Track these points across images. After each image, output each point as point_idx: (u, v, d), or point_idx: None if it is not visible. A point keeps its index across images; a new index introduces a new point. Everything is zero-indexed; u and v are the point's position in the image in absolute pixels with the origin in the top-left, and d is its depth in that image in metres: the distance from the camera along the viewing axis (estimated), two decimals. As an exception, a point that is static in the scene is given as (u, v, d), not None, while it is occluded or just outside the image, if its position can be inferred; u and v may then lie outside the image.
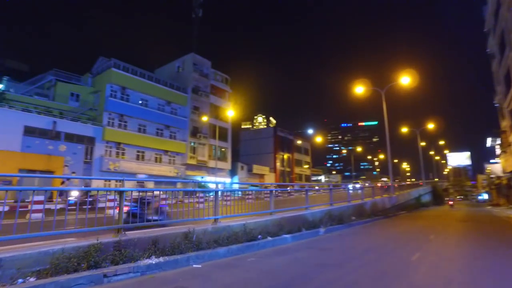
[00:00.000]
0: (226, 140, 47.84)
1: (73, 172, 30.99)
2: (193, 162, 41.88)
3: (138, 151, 36.83)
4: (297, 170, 68.39)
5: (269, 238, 8.09)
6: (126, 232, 5.86)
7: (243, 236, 7.46)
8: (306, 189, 12.49)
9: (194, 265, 5.77)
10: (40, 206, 9.03)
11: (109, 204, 8.72)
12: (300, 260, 6.63)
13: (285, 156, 64.93)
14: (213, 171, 42.48)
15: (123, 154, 35.36)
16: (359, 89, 25.37)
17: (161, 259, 5.43)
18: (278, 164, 61.69)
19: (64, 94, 35.07)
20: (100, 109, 34.83)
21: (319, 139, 56.21)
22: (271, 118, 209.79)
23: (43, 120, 29.70)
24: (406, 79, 24.99)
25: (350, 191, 16.45)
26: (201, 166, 42.95)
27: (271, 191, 10.75)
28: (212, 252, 6.31)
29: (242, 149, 66.60)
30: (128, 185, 7.32)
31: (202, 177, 41.78)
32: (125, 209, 6.15)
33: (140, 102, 37.73)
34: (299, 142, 69.05)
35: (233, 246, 6.89)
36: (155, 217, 7.85)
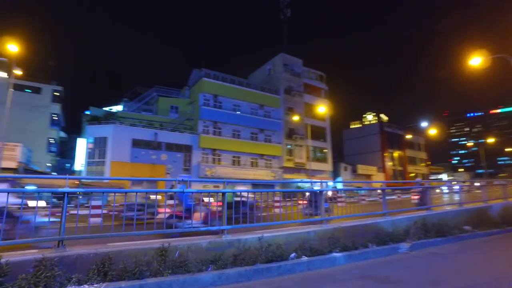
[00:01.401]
0: (325, 140, 44.66)
1: (179, 181, 32.48)
2: (290, 164, 40.07)
3: (233, 157, 36.96)
4: (411, 168, 59.95)
5: (304, 258, 5.48)
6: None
7: (261, 255, 5.08)
8: (383, 188, 9.12)
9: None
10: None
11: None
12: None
13: (396, 153, 57.60)
14: (312, 173, 39.88)
15: (219, 160, 35.90)
16: (475, 61, 19.43)
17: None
18: (389, 163, 55.06)
19: (165, 108, 37.74)
20: (195, 118, 36.21)
21: (433, 132, 47.65)
22: (381, 115, 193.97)
23: (146, 133, 32.16)
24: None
25: (457, 190, 11.96)
26: (299, 169, 40.80)
27: (316, 192, 8.05)
28: (190, 278, 4.18)
29: (346, 149, 62.02)
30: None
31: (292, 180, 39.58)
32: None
33: (233, 108, 37.96)
34: (408, 136, 60.42)
35: (230, 271, 4.57)
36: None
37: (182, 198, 8.92)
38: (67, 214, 4.42)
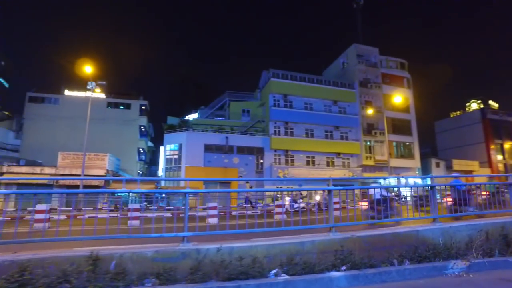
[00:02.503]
0: (410, 134, 40.00)
1: (248, 183, 32.64)
2: (370, 162, 36.86)
3: (307, 157, 35.54)
4: (529, 161, 49.77)
5: (281, 277, 4.16)
6: None
7: (224, 269, 4.01)
8: (432, 184, 7.01)
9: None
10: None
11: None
12: None
13: (507, 144, 48.52)
14: (396, 171, 36.06)
15: (292, 161, 34.88)
16: None
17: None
18: (497, 156, 46.65)
19: (237, 112, 38.37)
20: (266, 120, 35.92)
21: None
22: (490, 102, 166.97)
23: (218, 137, 33.00)
24: None
25: None
26: (381, 167, 37.24)
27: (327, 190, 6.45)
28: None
29: (439, 142, 54.84)
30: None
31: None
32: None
33: (304, 106, 36.63)
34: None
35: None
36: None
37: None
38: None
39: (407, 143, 39.71)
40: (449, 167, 41.65)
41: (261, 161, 33.78)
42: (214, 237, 5.65)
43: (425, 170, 40.05)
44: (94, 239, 4.64)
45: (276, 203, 15.48)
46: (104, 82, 36.67)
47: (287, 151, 34.76)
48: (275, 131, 34.91)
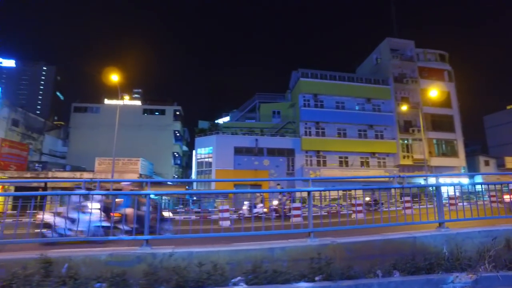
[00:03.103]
0: (452, 131, 37.34)
1: (278, 185, 32.31)
2: (408, 162, 34.92)
3: (340, 157, 34.48)
4: None
5: (242, 287, 3.86)
6: None
7: (182, 275, 3.82)
8: (437, 184, 6.22)
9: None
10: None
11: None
12: None
13: None
14: (437, 170, 33.85)
15: (324, 162, 34.01)
16: None
17: None
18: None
19: (267, 113, 38.20)
20: (297, 120, 35.39)
21: None
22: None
23: (247, 140, 33.04)
24: None
25: None
26: (420, 166, 35.10)
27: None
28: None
29: (490, 139, 50.80)
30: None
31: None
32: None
33: (336, 105, 35.59)
34: None
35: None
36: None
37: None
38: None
39: (450, 140, 37.10)
40: (500, 165, 38.42)
41: (292, 162, 33.29)
42: (200, 241, 5.50)
43: (471, 169, 37.21)
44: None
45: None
46: (140, 90, 37.99)
47: (318, 152, 33.95)
48: (305, 131, 34.25)
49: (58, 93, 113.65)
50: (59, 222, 6.59)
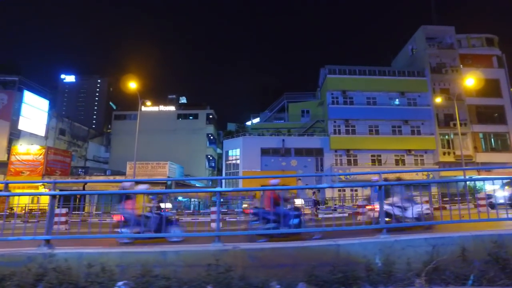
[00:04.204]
0: (503, 123, 33.64)
1: (299, 179, 31.54)
2: (449, 159, 32.09)
3: (372, 155, 32.78)
4: None
5: None
6: None
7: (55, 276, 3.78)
8: (380, 183, 5.53)
9: None
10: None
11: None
12: None
13: None
14: (486, 167, 30.75)
15: (354, 161, 32.57)
16: None
17: None
18: None
19: (296, 113, 37.56)
20: (326, 119, 34.35)
21: None
22: None
23: (274, 141, 32.75)
24: None
25: None
26: (464, 163, 32.16)
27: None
28: None
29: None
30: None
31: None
32: None
33: (366, 101, 33.92)
34: None
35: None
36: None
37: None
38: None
39: (500, 134, 33.51)
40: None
41: (321, 162, 32.35)
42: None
43: (526, 165, 33.19)
44: None
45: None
46: (174, 96, 39.29)
47: (348, 150, 32.59)
48: (334, 130, 33.06)
49: (111, 103, 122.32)
50: None
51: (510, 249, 4.72)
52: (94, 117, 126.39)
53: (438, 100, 31.25)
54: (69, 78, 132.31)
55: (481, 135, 33.22)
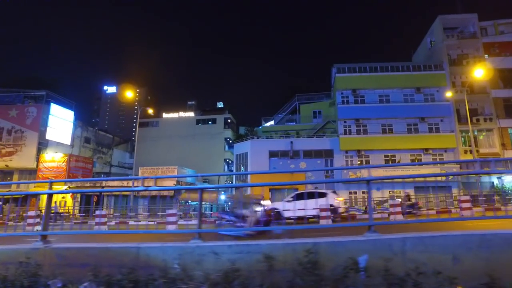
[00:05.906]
0: (535, 116, 30.50)
1: (316, 187, 30.85)
2: (471, 157, 29.69)
3: (385, 156, 31.25)
4: None
5: None
6: None
7: None
8: None
9: None
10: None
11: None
12: None
13: None
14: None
15: (366, 162, 31.24)
16: None
17: None
18: None
19: (308, 114, 36.90)
20: (336, 119, 33.40)
21: None
22: None
23: (282, 143, 32.45)
24: None
25: None
26: (488, 161, 29.54)
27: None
28: None
29: None
30: None
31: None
32: None
33: (379, 99, 32.46)
34: None
35: None
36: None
37: None
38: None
39: (532, 128, 30.40)
40: None
41: (331, 164, 31.45)
42: None
43: None
44: None
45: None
46: (193, 102, 40.38)
47: (359, 151, 31.39)
48: (345, 130, 32.03)
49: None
50: None
51: (321, 258, 4.36)
52: (134, 125, 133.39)
53: (450, 94, 29.14)
54: (111, 89, 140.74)
55: (510, 131, 30.37)
